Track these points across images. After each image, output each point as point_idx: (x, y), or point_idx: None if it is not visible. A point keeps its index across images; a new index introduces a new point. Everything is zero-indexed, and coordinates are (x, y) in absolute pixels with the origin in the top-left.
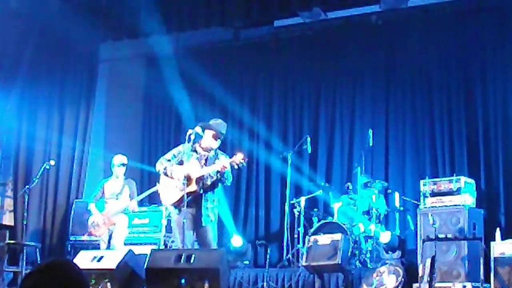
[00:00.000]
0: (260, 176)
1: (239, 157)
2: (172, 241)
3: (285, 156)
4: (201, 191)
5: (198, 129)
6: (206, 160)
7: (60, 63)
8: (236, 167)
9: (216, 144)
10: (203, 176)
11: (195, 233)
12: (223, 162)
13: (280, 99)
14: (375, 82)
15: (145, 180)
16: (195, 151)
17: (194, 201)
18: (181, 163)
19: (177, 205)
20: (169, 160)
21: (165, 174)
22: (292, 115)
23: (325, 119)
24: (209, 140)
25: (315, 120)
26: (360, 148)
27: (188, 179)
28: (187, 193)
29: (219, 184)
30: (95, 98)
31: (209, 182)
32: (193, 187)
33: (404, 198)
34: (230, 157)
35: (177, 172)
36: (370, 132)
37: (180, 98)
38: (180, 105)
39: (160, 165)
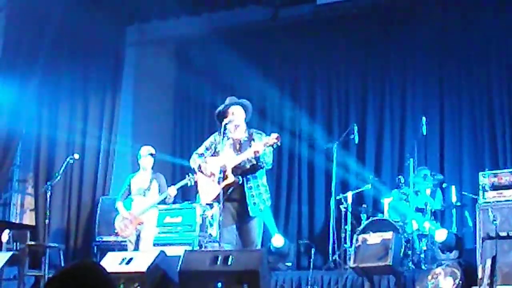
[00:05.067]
0: (303, 169)
1: (272, 138)
2: (209, 241)
3: (330, 148)
4: (241, 181)
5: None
6: (240, 144)
7: (83, 47)
8: (270, 148)
9: (240, 119)
10: (239, 164)
11: (239, 229)
12: (256, 146)
13: (323, 85)
14: (428, 64)
15: (177, 175)
16: (227, 137)
17: (235, 193)
18: (216, 154)
19: (218, 200)
20: (201, 155)
21: (200, 171)
22: (337, 102)
23: (373, 105)
24: (232, 118)
25: (363, 107)
26: (413, 138)
27: (224, 171)
28: (225, 186)
29: (260, 169)
30: (121, 85)
31: (248, 166)
32: (230, 178)
33: (463, 192)
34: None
35: (211, 167)
36: (423, 119)
37: (214, 84)
38: (214, 92)
39: (193, 163)
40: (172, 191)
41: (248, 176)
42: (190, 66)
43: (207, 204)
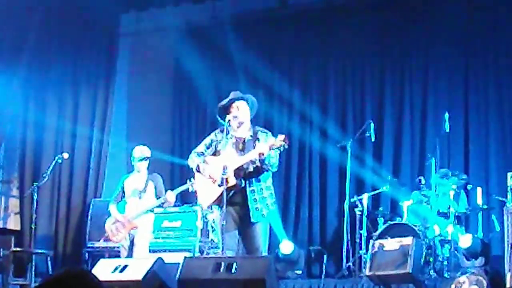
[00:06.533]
0: (314, 169)
1: (279, 139)
2: (210, 247)
3: (344, 146)
4: (242, 184)
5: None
6: (243, 144)
7: (73, 38)
8: (277, 150)
9: (245, 116)
10: (241, 166)
11: (241, 235)
12: (261, 148)
13: (337, 78)
14: (451, 54)
15: (176, 176)
16: (230, 135)
17: (237, 196)
18: (216, 153)
19: (218, 203)
20: (201, 154)
21: (198, 171)
22: (351, 96)
23: (391, 99)
24: (236, 114)
25: (380, 101)
26: (434, 135)
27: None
28: (227, 189)
29: (265, 172)
30: (115, 78)
31: (251, 169)
32: (231, 181)
33: (490, 194)
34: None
35: (210, 169)
36: (446, 115)
37: (217, 79)
38: (217, 86)
39: (191, 162)
40: (171, 196)
41: (251, 179)
42: (191, 57)
43: (208, 207)
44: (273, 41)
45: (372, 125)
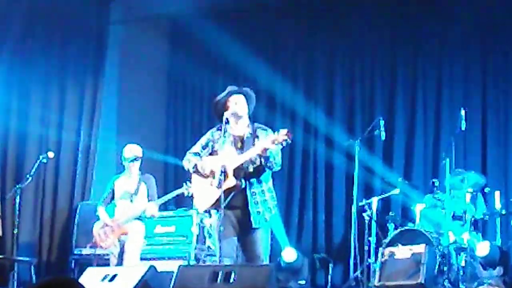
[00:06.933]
0: (319, 171)
1: (282, 134)
2: (207, 255)
3: (351, 145)
4: (243, 185)
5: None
6: (242, 142)
7: (59, 26)
8: (279, 146)
9: (243, 111)
10: (241, 165)
11: (241, 242)
12: (263, 143)
13: (343, 73)
14: (467, 46)
15: (170, 176)
16: (228, 133)
17: (237, 199)
18: (214, 153)
19: (216, 207)
20: (197, 154)
21: (196, 172)
22: (359, 91)
23: (403, 95)
24: (233, 110)
25: (390, 97)
26: (449, 134)
27: (224, 172)
28: (225, 191)
29: (266, 171)
30: (104, 71)
31: (251, 169)
32: (231, 181)
33: (510, 199)
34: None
35: (209, 166)
36: (462, 112)
37: (213, 71)
38: (214, 81)
39: (187, 163)
40: (152, 209)
41: (251, 180)
42: (186, 49)
43: (205, 211)
44: (276, 34)
45: (382, 122)
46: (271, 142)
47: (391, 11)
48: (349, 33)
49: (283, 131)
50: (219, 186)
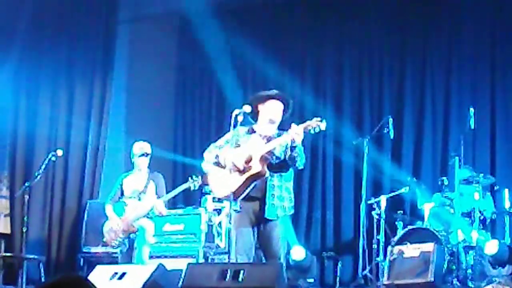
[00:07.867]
0: (328, 169)
1: (315, 120)
2: (216, 253)
3: (360, 143)
4: (267, 174)
5: (246, 107)
6: (268, 140)
7: (68, 25)
8: (312, 132)
9: (278, 117)
10: (271, 151)
11: (258, 236)
12: (295, 129)
13: (352, 70)
14: (477, 44)
15: (178, 174)
16: (254, 132)
17: (257, 190)
18: (237, 147)
19: (236, 196)
20: (220, 147)
21: (217, 163)
22: (368, 90)
23: (412, 93)
24: (270, 115)
25: (399, 96)
26: (458, 132)
27: (248, 161)
28: (247, 179)
29: (289, 169)
30: (113, 69)
31: (275, 164)
32: (256, 167)
33: None
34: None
35: (231, 157)
36: (471, 110)
37: (223, 69)
38: (223, 78)
39: (209, 154)
40: (160, 206)
41: (273, 173)
42: (195, 46)
43: (214, 209)
44: (284, 29)
45: (391, 120)
46: (303, 128)
47: (401, 10)
48: (358, 31)
49: (316, 118)
50: (243, 171)
